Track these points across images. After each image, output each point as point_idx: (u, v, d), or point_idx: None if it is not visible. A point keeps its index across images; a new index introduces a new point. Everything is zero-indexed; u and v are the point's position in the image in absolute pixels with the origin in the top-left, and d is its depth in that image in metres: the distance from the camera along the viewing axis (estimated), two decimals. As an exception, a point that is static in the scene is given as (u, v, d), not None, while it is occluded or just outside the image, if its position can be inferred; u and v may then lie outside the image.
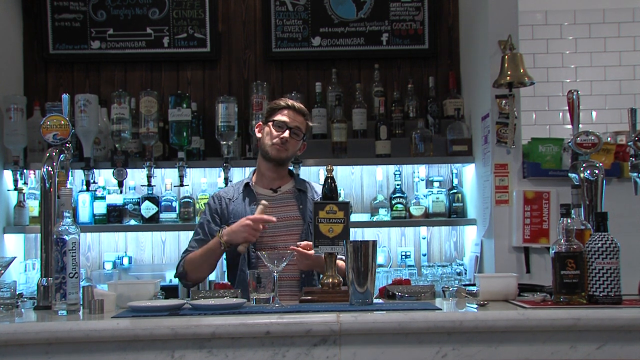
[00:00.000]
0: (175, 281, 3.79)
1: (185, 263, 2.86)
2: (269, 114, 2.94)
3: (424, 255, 4.12)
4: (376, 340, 2.02)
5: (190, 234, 4.11)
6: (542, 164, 3.55)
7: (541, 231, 3.46)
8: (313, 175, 4.06)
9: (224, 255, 2.91)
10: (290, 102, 2.93)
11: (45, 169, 2.45)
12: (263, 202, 2.74)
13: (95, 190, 3.91)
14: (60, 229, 2.19)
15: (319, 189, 2.96)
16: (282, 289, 2.68)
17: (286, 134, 2.85)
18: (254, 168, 3.04)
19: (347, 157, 3.92)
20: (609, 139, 3.65)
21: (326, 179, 2.54)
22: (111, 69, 4.23)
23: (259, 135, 2.97)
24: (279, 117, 2.88)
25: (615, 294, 2.17)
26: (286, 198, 2.92)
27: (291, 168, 3.12)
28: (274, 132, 2.86)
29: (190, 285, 2.88)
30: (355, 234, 4.03)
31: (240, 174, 4.12)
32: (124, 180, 3.78)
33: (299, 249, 2.63)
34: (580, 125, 2.67)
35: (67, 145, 2.48)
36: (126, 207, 3.91)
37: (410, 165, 4.08)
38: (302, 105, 2.95)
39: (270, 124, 2.89)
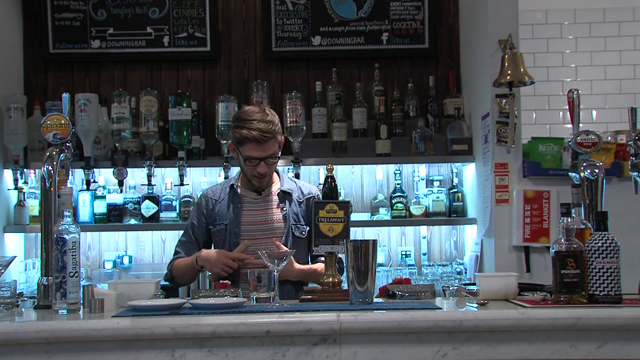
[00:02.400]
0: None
1: (172, 268, 2.91)
2: (237, 140, 2.77)
3: (424, 254, 4.12)
4: (376, 340, 2.02)
5: (190, 233, 4.10)
6: (542, 163, 3.55)
7: (541, 230, 3.46)
8: (313, 174, 4.06)
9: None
10: (253, 132, 2.71)
11: (45, 168, 2.44)
12: (246, 241, 2.75)
13: (96, 190, 3.91)
14: (60, 228, 2.19)
15: (306, 188, 2.95)
16: (282, 288, 2.69)
17: (261, 168, 2.77)
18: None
19: (347, 156, 3.92)
20: (609, 138, 3.65)
21: (326, 178, 2.54)
22: (111, 68, 4.23)
23: (234, 155, 2.89)
24: (248, 152, 2.75)
25: (616, 293, 2.17)
26: (270, 201, 2.89)
27: (278, 168, 3.05)
28: (248, 167, 2.79)
29: (178, 287, 2.94)
30: (356, 233, 4.03)
31: (241, 173, 4.12)
32: (124, 180, 3.77)
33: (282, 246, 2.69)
34: (580, 125, 2.67)
35: (67, 144, 2.48)
36: (126, 206, 3.91)
37: (411, 164, 4.08)
38: (266, 125, 2.73)
39: (241, 157, 2.80)
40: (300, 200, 2.91)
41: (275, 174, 2.96)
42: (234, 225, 2.85)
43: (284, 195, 2.90)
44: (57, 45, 4.17)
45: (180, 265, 2.88)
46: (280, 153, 2.86)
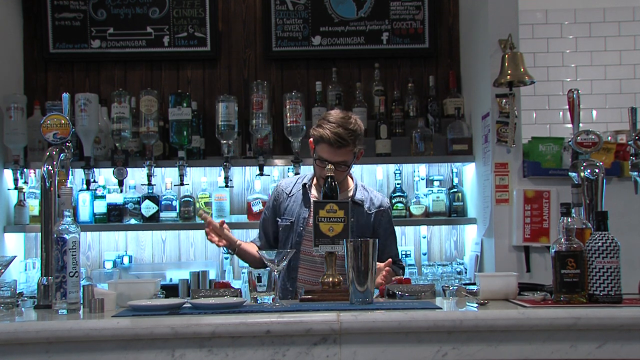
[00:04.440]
0: (175, 280, 3.80)
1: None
2: (315, 139, 2.81)
3: (424, 254, 4.12)
4: (376, 340, 2.02)
5: (191, 233, 4.14)
6: (543, 163, 3.55)
7: (541, 230, 3.46)
8: (313, 174, 4.06)
9: None
10: (330, 134, 2.73)
11: (45, 168, 2.44)
12: (200, 211, 2.78)
13: (96, 190, 3.91)
14: (60, 228, 2.19)
15: (378, 200, 2.94)
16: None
17: (328, 171, 2.75)
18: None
19: (347, 156, 3.91)
20: (609, 138, 3.65)
21: (326, 178, 2.54)
22: (111, 68, 4.22)
23: (311, 153, 2.91)
24: (321, 152, 2.79)
25: (616, 293, 2.17)
26: None
27: (353, 172, 3.02)
28: (318, 166, 2.82)
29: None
30: (356, 233, 4.02)
31: (241, 173, 4.13)
32: (124, 180, 3.77)
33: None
34: (580, 125, 2.67)
35: (68, 144, 2.48)
36: (126, 206, 3.91)
37: (411, 164, 4.08)
38: (345, 132, 2.74)
39: (315, 155, 2.84)
40: (370, 212, 2.90)
41: (350, 180, 2.97)
42: (299, 224, 2.88)
43: (354, 205, 2.85)
44: (57, 45, 4.17)
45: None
46: (360, 151, 2.86)
